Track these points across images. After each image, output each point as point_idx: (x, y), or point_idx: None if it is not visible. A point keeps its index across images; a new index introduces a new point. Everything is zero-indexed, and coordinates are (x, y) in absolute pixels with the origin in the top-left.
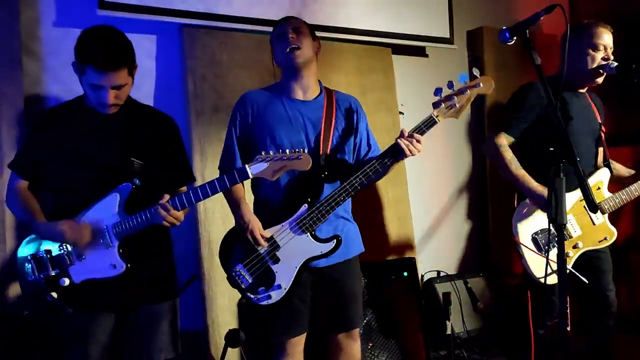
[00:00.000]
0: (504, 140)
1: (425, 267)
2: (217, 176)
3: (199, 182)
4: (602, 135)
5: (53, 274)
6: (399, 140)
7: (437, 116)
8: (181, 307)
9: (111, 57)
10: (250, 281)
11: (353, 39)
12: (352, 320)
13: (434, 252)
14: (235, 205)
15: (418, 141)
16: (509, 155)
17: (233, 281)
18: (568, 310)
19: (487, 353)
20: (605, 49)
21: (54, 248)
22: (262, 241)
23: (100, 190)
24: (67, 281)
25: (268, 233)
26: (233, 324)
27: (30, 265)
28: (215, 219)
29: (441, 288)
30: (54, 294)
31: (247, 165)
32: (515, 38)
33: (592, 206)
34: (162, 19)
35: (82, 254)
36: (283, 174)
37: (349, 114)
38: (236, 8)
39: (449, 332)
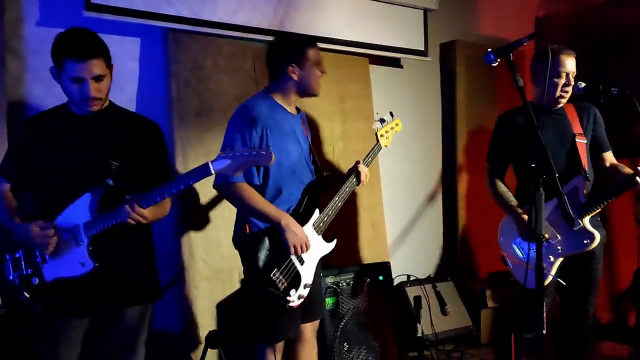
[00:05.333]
0: (493, 171)
1: (397, 271)
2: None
3: None
4: (577, 143)
5: (26, 273)
6: (363, 181)
7: (383, 144)
8: (159, 309)
9: (87, 46)
10: (285, 285)
11: (332, 49)
12: (323, 309)
13: (405, 257)
14: (275, 216)
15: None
16: (501, 189)
17: (271, 285)
18: (545, 315)
19: (453, 354)
20: (568, 75)
21: (29, 248)
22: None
23: (77, 191)
24: (37, 280)
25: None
26: (212, 325)
27: (7, 264)
28: (197, 220)
29: (411, 292)
30: (26, 294)
31: (209, 162)
32: (499, 60)
33: (569, 219)
34: (147, 22)
35: (55, 252)
36: (292, 184)
37: (305, 126)
38: (221, 14)
39: (419, 334)
